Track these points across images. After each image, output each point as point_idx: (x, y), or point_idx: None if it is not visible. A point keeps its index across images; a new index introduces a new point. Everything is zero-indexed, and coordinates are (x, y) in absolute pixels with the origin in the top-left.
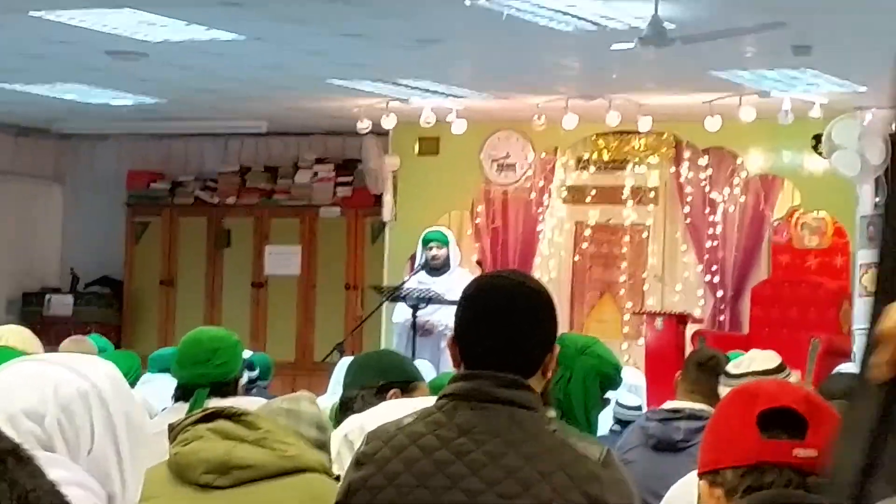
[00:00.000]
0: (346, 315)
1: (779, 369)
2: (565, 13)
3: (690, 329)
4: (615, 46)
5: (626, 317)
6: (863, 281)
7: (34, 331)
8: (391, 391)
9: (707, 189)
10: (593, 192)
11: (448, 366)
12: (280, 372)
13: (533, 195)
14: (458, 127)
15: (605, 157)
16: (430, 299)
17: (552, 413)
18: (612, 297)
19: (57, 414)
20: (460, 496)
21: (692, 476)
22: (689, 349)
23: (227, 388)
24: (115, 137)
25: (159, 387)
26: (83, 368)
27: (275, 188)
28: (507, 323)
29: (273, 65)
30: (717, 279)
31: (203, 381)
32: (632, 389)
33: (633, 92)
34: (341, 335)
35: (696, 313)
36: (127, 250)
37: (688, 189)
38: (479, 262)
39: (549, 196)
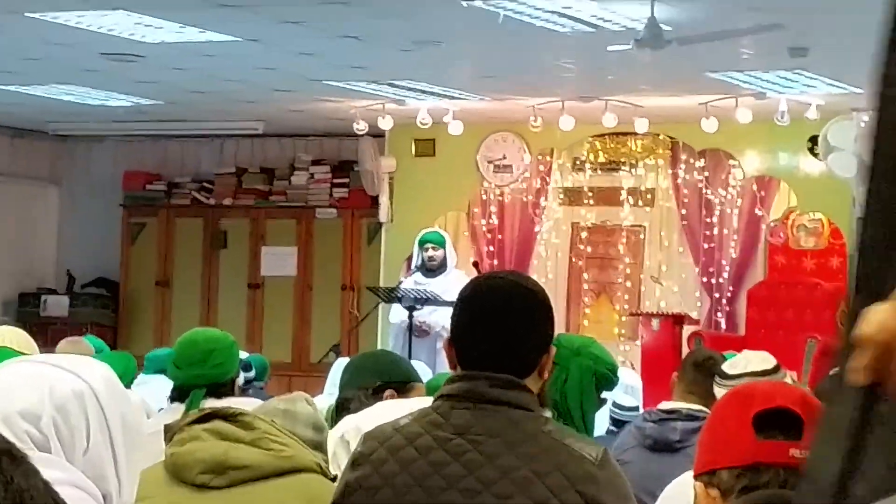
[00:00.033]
0: (343, 316)
1: (774, 370)
2: (562, 15)
3: (687, 330)
4: (611, 48)
5: (623, 318)
6: None
7: (30, 332)
8: (387, 392)
9: (703, 190)
10: (590, 193)
11: (444, 366)
12: (276, 373)
13: (529, 197)
14: (455, 128)
15: (602, 158)
16: (427, 300)
17: (548, 414)
18: (609, 299)
19: (52, 414)
20: (457, 496)
21: (686, 476)
22: (685, 350)
23: (223, 388)
24: (111, 139)
25: (155, 388)
26: (79, 369)
27: (271, 189)
28: (503, 324)
29: (269, 66)
30: (713, 280)
31: (199, 382)
32: (628, 390)
33: (629, 93)
34: (337, 336)
35: (693, 314)
36: (123, 251)
37: (684, 190)
38: (475, 264)
39: (546, 197)
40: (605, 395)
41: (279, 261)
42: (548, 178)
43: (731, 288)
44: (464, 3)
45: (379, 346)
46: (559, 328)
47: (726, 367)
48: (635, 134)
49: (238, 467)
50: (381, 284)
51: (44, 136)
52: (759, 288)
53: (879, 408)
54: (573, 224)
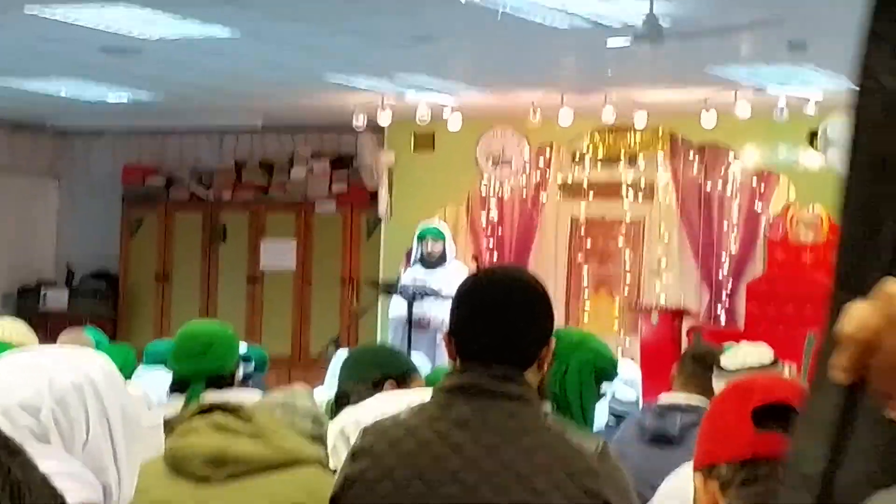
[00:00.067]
0: (342, 309)
1: (773, 364)
2: (561, 10)
3: (686, 324)
4: (611, 43)
5: (622, 312)
6: None
7: (30, 325)
8: (386, 383)
9: (703, 185)
10: (589, 187)
11: (444, 359)
12: (276, 366)
13: (529, 191)
14: (454, 123)
15: (601, 152)
16: (426, 294)
17: (548, 407)
18: (608, 292)
19: (52, 406)
20: (456, 489)
21: (685, 470)
22: (684, 344)
23: (222, 381)
24: (110, 134)
25: (154, 380)
26: (78, 361)
27: (270, 184)
28: (503, 317)
29: (269, 61)
30: (712, 274)
31: (199, 375)
32: (628, 383)
33: (628, 88)
34: (337, 329)
35: (692, 308)
36: (122, 245)
37: (683, 185)
38: (474, 258)
39: (545, 192)
40: (604, 388)
41: (278, 254)
42: (547, 173)
43: (730, 282)
44: None
45: (378, 340)
46: (559, 322)
47: (724, 361)
48: (634, 128)
49: (237, 460)
50: (381, 278)
51: (43, 131)
52: (758, 282)
53: (862, 405)
54: (572, 218)
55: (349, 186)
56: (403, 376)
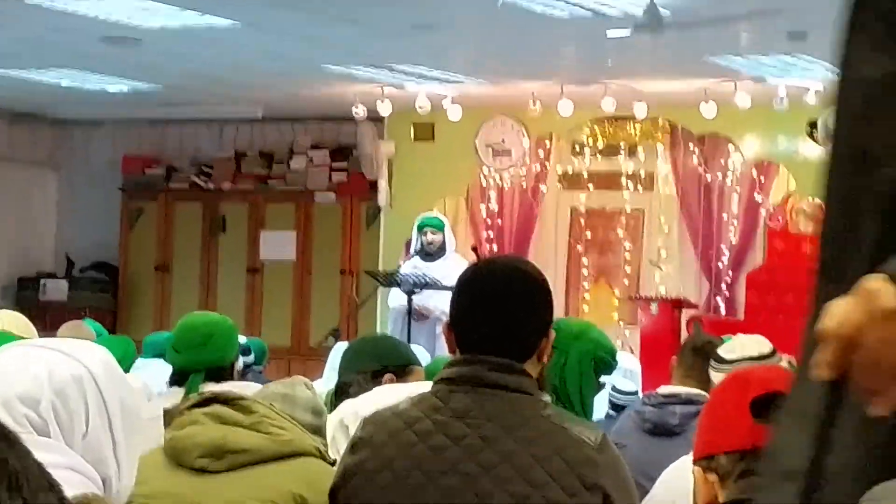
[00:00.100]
0: (342, 300)
1: (770, 355)
2: None
3: (686, 314)
4: (611, 33)
5: (622, 302)
6: None
7: (29, 316)
8: (386, 376)
9: (703, 175)
10: (589, 178)
11: (443, 350)
12: (275, 357)
13: (528, 181)
14: (454, 113)
15: (601, 143)
16: (426, 284)
17: (548, 398)
18: (608, 283)
19: (51, 398)
20: (456, 480)
21: (684, 461)
22: (684, 335)
23: (222, 372)
24: (110, 123)
25: (153, 372)
26: (77, 353)
27: (270, 174)
28: (502, 308)
29: (268, 51)
30: (712, 265)
31: (198, 367)
32: (627, 374)
33: (628, 78)
34: (336, 320)
35: (692, 299)
36: (122, 236)
37: (683, 175)
38: (474, 248)
39: (545, 182)
40: (604, 379)
41: (278, 245)
42: (547, 163)
43: (730, 272)
44: None
45: (378, 331)
46: (558, 312)
47: (722, 352)
48: (634, 118)
49: (237, 451)
50: (381, 269)
51: (42, 121)
52: (758, 272)
53: (845, 401)
54: (572, 208)
55: (349, 177)
56: (403, 368)
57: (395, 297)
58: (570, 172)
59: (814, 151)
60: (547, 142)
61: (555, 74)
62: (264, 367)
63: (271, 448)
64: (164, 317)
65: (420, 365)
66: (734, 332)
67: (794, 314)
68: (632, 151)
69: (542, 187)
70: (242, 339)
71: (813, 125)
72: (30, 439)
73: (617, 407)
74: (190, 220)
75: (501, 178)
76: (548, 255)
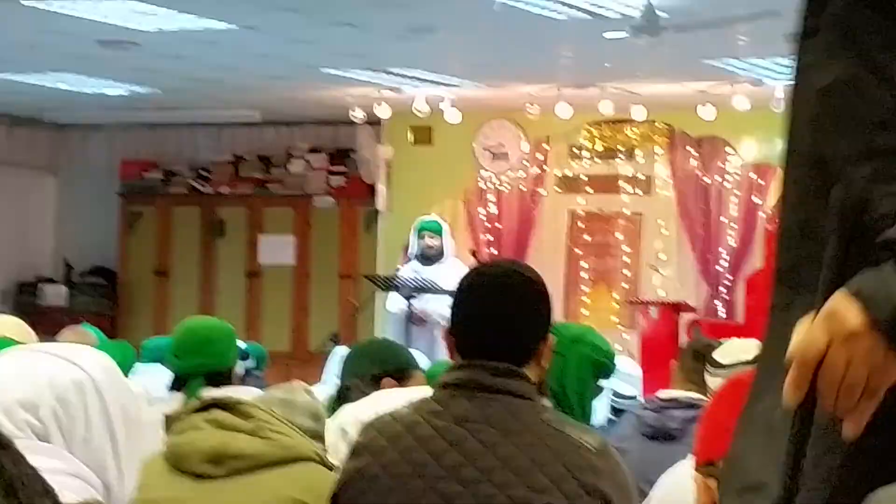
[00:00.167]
0: (341, 304)
1: None
2: (558, 2)
3: (685, 318)
4: (608, 35)
5: (621, 306)
6: None
7: (28, 321)
8: (385, 380)
9: (701, 178)
10: (587, 181)
11: (443, 355)
12: (275, 361)
13: (527, 184)
14: (452, 116)
15: (599, 146)
16: (425, 289)
17: (547, 402)
18: (607, 286)
19: (52, 404)
20: (456, 485)
21: (682, 466)
22: (683, 338)
23: (221, 377)
24: (107, 127)
25: (152, 376)
26: (78, 358)
27: (268, 178)
28: (502, 313)
29: (266, 54)
30: (711, 268)
31: (198, 371)
32: (627, 379)
33: (626, 81)
34: (336, 324)
35: (691, 302)
36: (121, 240)
37: (681, 178)
38: (473, 252)
39: (543, 185)
40: (603, 383)
41: (277, 249)
42: (545, 166)
43: (729, 275)
44: None
45: (377, 335)
46: (557, 316)
47: (717, 356)
48: (632, 121)
49: (237, 457)
50: (379, 273)
51: (40, 125)
52: (757, 275)
53: (815, 423)
54: (571, 212)
55: (347, 180)
56: (403, 372)
57: (395, 302)
58: (569, 175)
59: None
60: (545, 145)
61: (552, 77)
62: (264, 372)
63: (272, 453)
64: (164, 321)
65: (420, 368)
66: (734, 335)
67: None
68: (630, 154)
69: (541, 190)
70: (242, 344)
71: None
72: (30, 445)
73: (618, 411)
74: (188, 225)
75: (500, 182)
76: (546, 258)
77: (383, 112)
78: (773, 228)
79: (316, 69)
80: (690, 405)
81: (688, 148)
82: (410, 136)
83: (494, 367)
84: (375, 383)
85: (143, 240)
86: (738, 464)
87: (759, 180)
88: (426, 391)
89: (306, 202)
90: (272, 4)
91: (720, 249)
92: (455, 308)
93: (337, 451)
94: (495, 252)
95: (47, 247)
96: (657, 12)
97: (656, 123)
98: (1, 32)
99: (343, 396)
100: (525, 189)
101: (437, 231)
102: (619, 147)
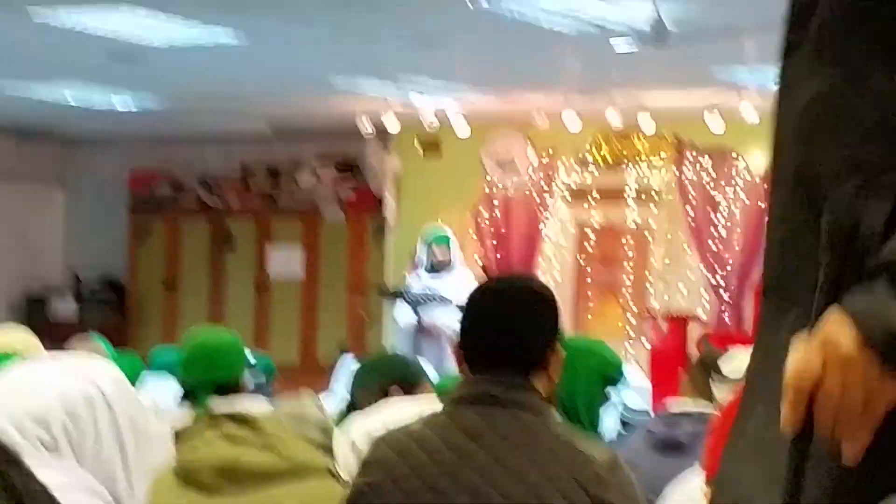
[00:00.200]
0: (350, 316)
1: None
2: (567, 14)
3: (694, 330)
4: (616, 46)
5: (630, 318)
6: None
7: (37, 334)
8: (392, 387)
9: (709, 189)
10: (595, 192)
11: (451, 366)
12: (284, 373)
13: (535, 196)
14: (460, 128)
15: (607, 157)
16: (433, 300)
17: (556, 415)
18: (616, 298)
19: (62, 418)
20: (466, 499)
21: (692, 477)
22: (692, 350)
23: (230, 389)
24: (117, 141)
25: (160, 387)
26: (88, 372)
27: (277, 190)
28: (511, 326)
29: (275, 67)
30: (720, 279)
31: (207, 384)
32: (636, 391)
33: (634, 91)
34: (344, 336)
35: (700, 313)
36: (130, 253)
37: (690, 189)
38: (483, 266)
39: (552, 196)
40: (614, 397)
41: (286, 261)
42: (553, 178)
43: (737, 286)
44: (469, 4)
45: (386, 346)
46: (565, 328)
47: (724, 368)
48: (640, 132)
49: (248, 471)
50: (388, 284)
51: (50, 139)
52: None
53: (812, 449)
54: (579, 223)
55: (356, 192)
56: (411, 382)
57: (403, 313)
58: (576, 186)
59: None
60: (553, 156)
61: (561, 89)
62: (273, 384)
63: (282, 467)
64: (172, 334)
65: (429, 379)
66: (743, 346)
67: None
68: (638, 165)
69: (549, 201)
70: (250, 356)
71: None
72: (41, 459)
73: (627, 424)
74: (197, 237)
75: (508, 193)
76: (554, 269)
77: (392, 124)
78: None
79: (325, 82)
80: (700, 417)
81: (696, 159)
82: (419, 148)
83: (504, 379)
84: (383, 393)
85: (152, 252)
86: (729, 480)
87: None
88: (434, 401)
89: (315, 214)
90: (281, 17)
91: (729, 260)
92: (464, 321)
93: (347, 464)
94: (503, 263)
95: (56, 260)
96: (665, 24)
97: (664, 134)
98: (11, 46)
99: (353, 408)
100: (533, 200)
101: (446, 242)
102: (627, 158)
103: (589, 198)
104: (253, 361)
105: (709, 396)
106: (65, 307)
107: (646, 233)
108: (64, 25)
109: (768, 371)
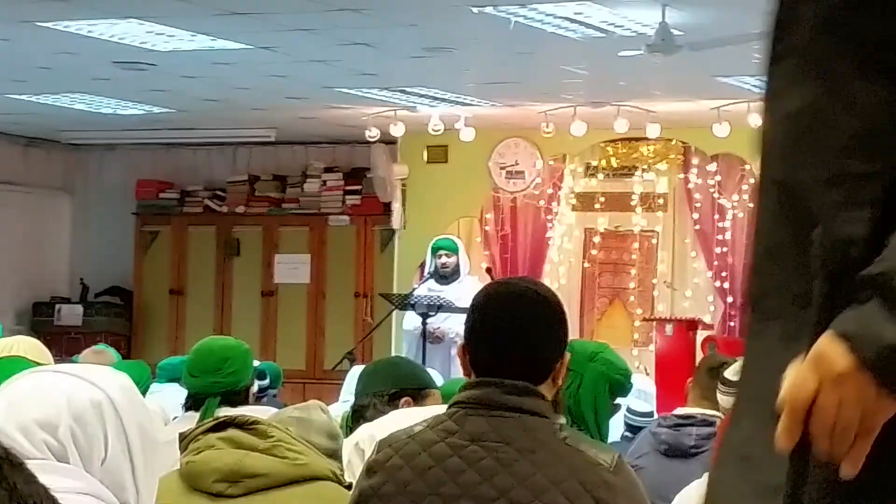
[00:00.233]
0: (356, 323)
1: None
2: (572, 20)
3: (701, 335)
4: (623, 53)
5: (637, 323)
6: None
7: (44, 341)
8: (403, 399)
9: (716, 195)
10: (602, 198)
11: (458, 373)
12: (290, 380)
13: (542, 202)
14: (467, 135)
15: (614, 163)
16: (440, 307)
17: (562, 420)
18: (622, 304)
19: (70, 424)
20: None
21: (698, 485)
22: (699, 355)
23: (237, 396)
24: (123, 147)
25: (168, 396)
26: (96, 379)
27: (284, 197)
28: (517, 330)
29: (281, 74)
30: (726, 285)
31: (214, 391)
32: (642, 396)
33: (641, 98)
34: (351, 343)
35: (707, 319)
36: (136, 260)
37: (697, 195)
38: (488, 270)
39: (558, 203)
40: (619, 400)
41: (292, 268)
42: (560, 184)
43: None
44: (474, 10)
45: (393, 353)
46: (572, 334)
47: (728, 374)
48: (647, 139)
49: (253, 475)
50: (395, 291)
51: (56, 145)
52: None
53: (808, 470)
54: (586, 229)
55: (363, 199)
56: (420, 391)
57: (410, 320)
58: (583, 193)
59: None
60: (560, 163)
61: (567, 95)
62: (279, 391)
63: (287, 472)
64: (179, 341)
65: (437, 387)
66: None
67: None
68: (645, 172)
69: (556, 208)
70: (257, 363)
71: None
72: (48, 465)
73: (632, 428)
74: (204, 244)
75: (514, 200)
76: (561, 276)
77: (398, 131)
78: None
79: (331, 89)
80: (706, 422)
81: (703, 165)
82: (425, 155)
83: (510, 384)
84: (392, 402)
85: (158, 259)
86: (715, 492)
87: None
88: (442, 409)
89: (322, 221)
90: (287, 24)
91: (735, 266)
92: (469, 325)
93: (353, 469)
94: (510, 270)
95: (63, 266)
96: (672, 30)
97: (671, 141)
98: (17, 53)
99: (359, 415)
100: (540, 207)
101: (453, 249)
102: (634, 165)
103: (595, 204)
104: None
105: (714, 401)
106: (71, 313)
107: (652, 239)
108: (70, 32)
109: (754, 384)
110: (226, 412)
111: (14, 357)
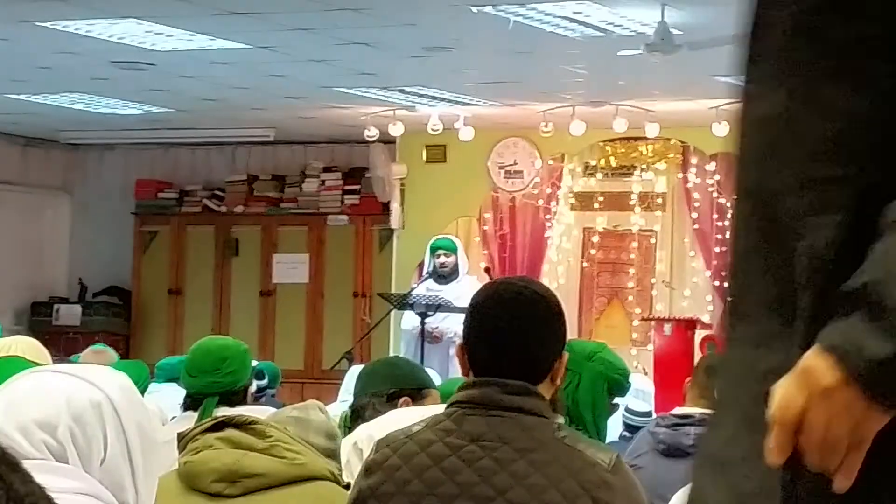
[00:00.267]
0: (355, 323)
1: None
2: (572, 20)
3: (699, 335)
4: (622, 53)
5: (635, 323)
6: None
7: (43, 341)
8: (402, 399)
9: (715, 194)
10: (601, 198)
11: (456, 373)
12: (289, 380)
13: (540, 202)
14: (466, 134)
15: (613, 163)
16: (439, 307)
17: (561, 420)
18: (621, 303)
19: (69, 424)
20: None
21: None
22: (697, 355)
23: (235, 396)
24: (122, 147)
25: (166, 396)
26: (95, 379)
27: (282, 197)
28: (515, 330)
29: (280, 73)
30: (725, 284)
31: (212, 390)
32: (640, 395)
33: (640, 98)
34: (350, 343)
35: (706, 318)
36: (135, 260)
37: (695, 195)
38: (487, 270)
39: (557, 202)
40: (617, 400)
41: (291, 268)
42: (559, 183)
43: None
44: (474, 10)
45: (391, 353)
46: (571, 333)
47: None
48: (646, 138)
49: (251, 475)
50: (393, 291)
51: (55, 145)
52: None
53: (800, 483)
54: (584, 229)
55: (361, 199)
56: (418, 391)
57: (408, 320)
58: (582, 192)
59: None
60: (559, 162)
61: (566, 95)
62: (277, 391)
63: (285, 472)
64: (178, 340)
65: (435, 387)
66: None
67: None
68: (644, 171)
69: (554, 207)
70: (255, 363)
71: None
72: (47, 465)
73: (631, 428)
74: (203, 244)
75: (513, 199)
76: (560, 275)
77: (397, 130)
78: None
79: (330, 88)
80: (704, 422)
81: (702, 165)
82: (424, 155)
83: (508, 384)
84: (391, 402)
85: (157, 259)
86: (695, 496)
87: None
88: (441, 409)
89: (320, 221)
90: (286, 24)
91: None
92: (468, 324)
93: (351, 468)
94: (509, 269)
95: (62, 266)
96: (671, 29)
97: (671, 141)
98: (16, 53)
99: (358, 415)
100: (539, 206)
101: (451, 249)
102: (633, 164)
103: (594, 203)
104: (258, 365)
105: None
106: (69, 313)
107: (651, 238)
108: (69, 32)
109: (729, 387)
110: (224, 412)
111: (12, 357)
